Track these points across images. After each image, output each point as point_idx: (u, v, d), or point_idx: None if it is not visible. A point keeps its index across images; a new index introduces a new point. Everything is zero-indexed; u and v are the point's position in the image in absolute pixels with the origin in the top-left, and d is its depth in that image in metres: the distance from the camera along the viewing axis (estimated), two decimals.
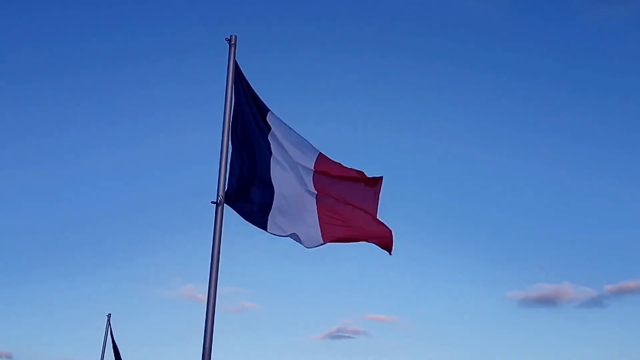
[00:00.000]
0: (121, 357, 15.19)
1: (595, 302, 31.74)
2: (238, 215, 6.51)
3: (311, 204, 6.44)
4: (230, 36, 6.73)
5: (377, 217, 6.32)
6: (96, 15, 36.79)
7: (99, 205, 34.56)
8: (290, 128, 6.60)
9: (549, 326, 31.32)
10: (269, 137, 6.57)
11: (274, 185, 6.48)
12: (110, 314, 15.85)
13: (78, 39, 36.59)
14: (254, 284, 32.52)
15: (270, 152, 6.55)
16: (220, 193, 6.28)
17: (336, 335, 31.32)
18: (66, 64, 36.44)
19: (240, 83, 6.68)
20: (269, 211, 6.42)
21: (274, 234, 6.42)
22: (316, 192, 6.44)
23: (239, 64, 6.70)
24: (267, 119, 6.59)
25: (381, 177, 6.42)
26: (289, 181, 6.51)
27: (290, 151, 6.53)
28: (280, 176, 6.52)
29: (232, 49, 6.68)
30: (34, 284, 31.29)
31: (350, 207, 6.40)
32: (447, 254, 33.31)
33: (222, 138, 6.44)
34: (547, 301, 32.72)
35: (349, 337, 31.30)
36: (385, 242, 6.20)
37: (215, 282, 6.02)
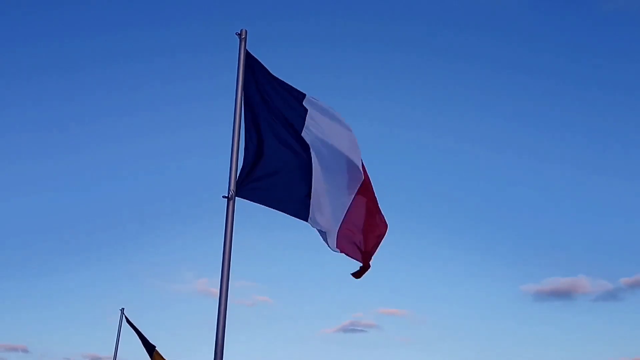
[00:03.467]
0: (150, 344, 14.96)
1: (611, 296, 31.54)
2: (253, 209, 6.57)
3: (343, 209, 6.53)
4: (241, 30, 6.72)
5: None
6: (106, 10, 36.88)
7: (111, 199, 34.75)
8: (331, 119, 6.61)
9: (564, 320, 31.17)
10: (303, 134, 6.58)
11: (312, 179, 6.51)
12: (123, 308, 15.93)
13: (91, 34, 36.73)
14: (266, 278, 32.60)
15: (305, 144, 6.56)
16: (232, 187, 6.29)
17: (349, 329, 31.37)
18: (77, 59, 36.58)
19: (258, 74, 6.65)
20: (309, 202, 6.47)
21: (313, 226, 6.51)
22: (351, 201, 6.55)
23: (255, 56, 6.69)
24: (306, 117, 6.58)
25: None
26: (327, 177, 6.57)
27: (336, 148, 6.55)
28: (317, 171, 6.55)
29: (243, 43, 6.67)
30: (48, 278, 31.58)
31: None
32: (460, 248, 33.24)
33: (232, 132, 6.45)
34: (562, 294, 32.54)
35: (362, 330, 31.36)
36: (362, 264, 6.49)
37: (227, 276, 6.04)
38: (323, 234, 6.50)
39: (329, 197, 6.54)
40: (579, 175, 35.88)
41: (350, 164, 6.56)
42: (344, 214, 6.51)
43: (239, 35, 6.71)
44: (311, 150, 6.55)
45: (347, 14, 36.99)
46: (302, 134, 6.60)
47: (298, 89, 6.69)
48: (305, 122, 6.61)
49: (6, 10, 35.65)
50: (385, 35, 37.17)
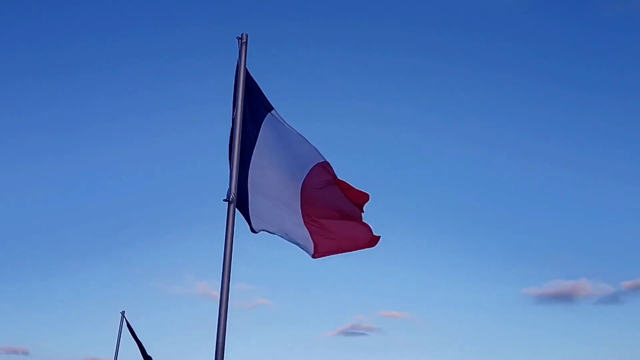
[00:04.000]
0: (145, 351, 14.97)
1: (613, 299, 31.48)
2: None
3: (298, 216, 6.63)
4: (242, 34, 6.75)
5: (362, 221, 6.65)
6: (107, 13, 36.96)
7: (112, 202, 34.76)
8: (292, 130, 6.69)
9: (566, 323, 31.14)
10: (259, 139, 6.68)
11: (249, 186, 6.58)
12: (124, 311, 15.91)
13: (93, 37, 36.80)
14: (267, 281, 32.51)
15: (252, 152, 6.65)
16: (233, 190, 6.31)
17: (350, 332, 31.31)
18: (80, 62, 36.66)
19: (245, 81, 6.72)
20: (248, 210, 6.55)
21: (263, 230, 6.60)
22: (300, 203, 6.64)
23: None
24: (265, 119, 6.69)
25: (367, 195, 6.64)
26: (271, 184, 6.66)
27: (283, 153, 6.67)
28: (260, 177, 6.63)
29: (244, 47, 6.70)
30: (49, 281, 31.54)
31: (335, 218, 6.65)
32: (462, 251, 33.22)
33: (233, 135, 6.47)
34: (564, 298, 32.49)
35: (363, 333, 31.28)
36: (371, 243, 6.60)
37: (227, 279, 6.05)
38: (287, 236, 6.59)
39: (271, 199, 6.64)
40: (580, 178, 35.90)
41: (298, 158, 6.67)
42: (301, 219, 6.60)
43: (240, 39, 6.73)
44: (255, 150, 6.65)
45: (348, 16, 37.05)
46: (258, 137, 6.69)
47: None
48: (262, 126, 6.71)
49: (6, 12, 35.74)
50: (384, 38, 37.24)
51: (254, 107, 6.71)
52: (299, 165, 6.71)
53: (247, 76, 6.69)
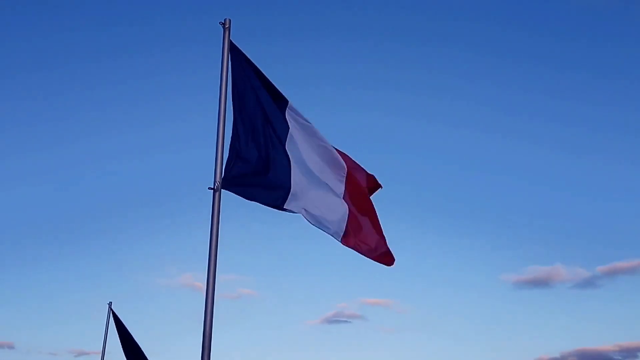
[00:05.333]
0: (134, 345, 14.70)
1: (588, 283, 32.09)
2: (235, 202, 6.46)
3: (342, 206, 6.53)
4: (225, 20, 6.65)
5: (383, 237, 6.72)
6: (88, 4, 36.61)
7: (97, 193, 34.56)
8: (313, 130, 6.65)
9: (543, 307, 31.64)
10: (290, 129, 6.60)
11: (292, 171, 6.48)
12: (111, 302, 15.78)
13: (70, 28, 36.43)
14: (251, 271, 32.50)
15: (286, 138, 6.57)
16: (217, 179, 6.23)
17: (333, 320, 31.46)
18: (63, 53, 36.30)
19: (244, 66, 6.59)
20: (289, 192, 6.41)
21: (292, 211, 6.39)
22: (346, 198, 6.57)
23: (240, 48, 6.62)
24: (286, 113, 6.60)
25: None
26: (313, 173, 6.57)
27: (316, 152, 6.62)
28: (300, 164, 6.55)
29: (227, 33, 6.60)
30: (34, 274, 31.35)
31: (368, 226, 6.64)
32: (441, 239, 33.44)
33: (217, 124, 6.38)
34: (541, 283, 32.99)
35: (346, 321, 31.42)
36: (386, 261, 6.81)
37: (214, 270, 5.99)
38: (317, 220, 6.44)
39: (314, 189, 6.53)
40: (555, 165, 35.91)
41: (331, 158, 6.62)
42: (347, 214, 6.50)
43: (223, 24, 6.64)
44: (289, 142, 6.57)
45: (334, 2, 36.85)
46: (288, 126, 6.59)
47: (283, 86, 6.70)
48: (287, 119, 6.61)
49: None
50: (372, 23, 37.08)
51: (271, 92, 6.61)
52: (334, 162, 6.63)
53: (248, 62, 6.59)
